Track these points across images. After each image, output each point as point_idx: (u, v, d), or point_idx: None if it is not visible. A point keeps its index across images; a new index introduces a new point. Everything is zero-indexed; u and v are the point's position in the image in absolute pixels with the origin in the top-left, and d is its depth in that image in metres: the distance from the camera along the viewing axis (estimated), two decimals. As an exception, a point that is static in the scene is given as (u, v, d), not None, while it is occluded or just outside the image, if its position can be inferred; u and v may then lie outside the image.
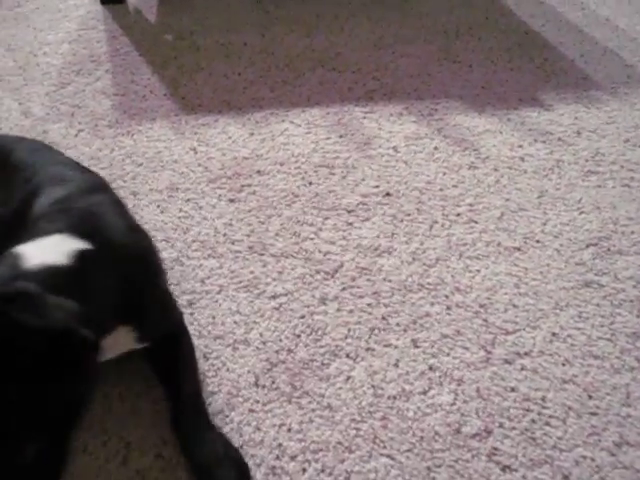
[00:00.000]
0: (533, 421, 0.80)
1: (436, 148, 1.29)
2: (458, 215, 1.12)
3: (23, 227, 0.74)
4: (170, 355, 0.80)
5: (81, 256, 0.66)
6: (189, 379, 0.78)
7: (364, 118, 1.37)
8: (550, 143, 1.31)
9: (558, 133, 1.34)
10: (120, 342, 0.74)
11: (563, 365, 0.87)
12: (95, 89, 1.45)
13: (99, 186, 0.87)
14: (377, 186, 1.17)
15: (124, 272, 0.71)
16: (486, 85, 1.51)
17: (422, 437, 0.78)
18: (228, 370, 0.85)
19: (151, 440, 0.76)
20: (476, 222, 1.11)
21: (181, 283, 0.96)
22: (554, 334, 0.91)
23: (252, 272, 0.99)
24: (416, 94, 1.46)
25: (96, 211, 0.77)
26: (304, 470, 0.74)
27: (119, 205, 0.86)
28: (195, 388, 0.78)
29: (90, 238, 0.69)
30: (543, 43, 1.68)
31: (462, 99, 1.45)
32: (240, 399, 0.81)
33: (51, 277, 0.61)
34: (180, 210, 1.11)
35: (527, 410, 0.82)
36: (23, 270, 0.61)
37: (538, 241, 1.07)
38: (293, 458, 0.75)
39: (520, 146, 1.30)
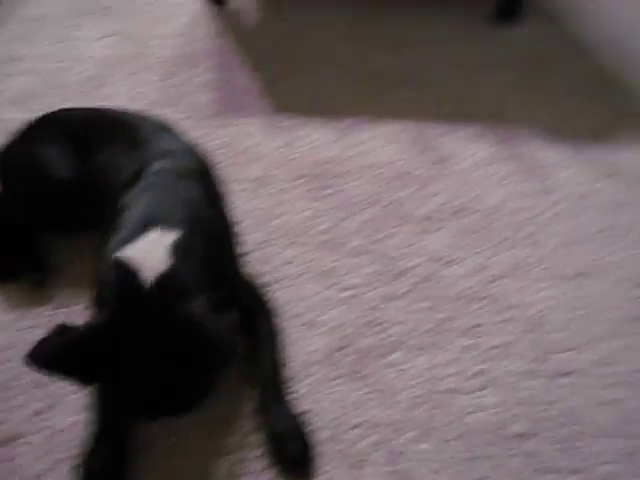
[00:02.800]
0: (572, 433, 0.87)
1: (508, 174, 1.36)
2: (523, 238, 1.19)
3: (135, 189, 0.90)
4: (252, 330, 0.92)
5: (176, 247, 0.79)
6: (269, 356, 0.89)
7: (442, 137, 1.45)
8: (619, 181, 1.36)
9: (628, 173, 1.39)
10: None
11: (606, 388, 0.94)
12: (198, 82, 1.58)
13: (200, 167, 1.01)
14: (449, 202, 1.26)
15: (209, 255, 0.84)
16: (561, 120, 1.57)
17: (467, 431, 0.86)
18: (299, 346, 0.95)
19: (228, 394, 0.88)
20: (540, 246, 1.18)
21: (264, 265, 1.08)
22: (601, 359, 0.98)
23: (327, 264, 1.09)
24: (492, 120, 1.54)
25: (189, 197, 0.89)
26: (359, 441, 0.84)
27: (213, 189, 0.98)
28: (275, 365, 0.88)
29: (181, 227, 0.82)
30: (622, 85, 1.73)
31: (538, 129, 1.52)
32: (307, 373, 0.92)
33: (168, 285, 0.75)
34: (266, 201, 1.22)
35: (568, 422, 0.89)
36: (146, 289, 0.74)
37: (598, 272, 1.13)
38: (351, 430, 0.85)
39: (589, 181, 1.36)
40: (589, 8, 2.19)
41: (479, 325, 1.01)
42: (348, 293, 1.05)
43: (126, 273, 0.74)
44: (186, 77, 1.60)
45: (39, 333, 0.93)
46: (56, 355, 0.70)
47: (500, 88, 1.67)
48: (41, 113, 1.37)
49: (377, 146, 1.40)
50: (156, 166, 0.94)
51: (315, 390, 0.89)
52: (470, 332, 1.00)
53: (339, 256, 1.11)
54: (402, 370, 0.93)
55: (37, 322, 0.96)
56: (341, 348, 0.96)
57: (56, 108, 1.40)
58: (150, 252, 0.77)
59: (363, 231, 1.17)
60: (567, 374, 0.95)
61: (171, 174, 0.93)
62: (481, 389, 0.92)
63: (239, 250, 1.07)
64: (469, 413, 0.88)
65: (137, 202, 0.86)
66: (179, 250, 0.78)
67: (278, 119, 1.47)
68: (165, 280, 0.74)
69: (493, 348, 0.98)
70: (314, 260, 1.10)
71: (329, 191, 1.26)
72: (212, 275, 0.82)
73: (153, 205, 0.85)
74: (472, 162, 1.38)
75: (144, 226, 0.80)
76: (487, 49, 1.86)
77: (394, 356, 0.95)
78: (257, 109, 1.50)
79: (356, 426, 0.86)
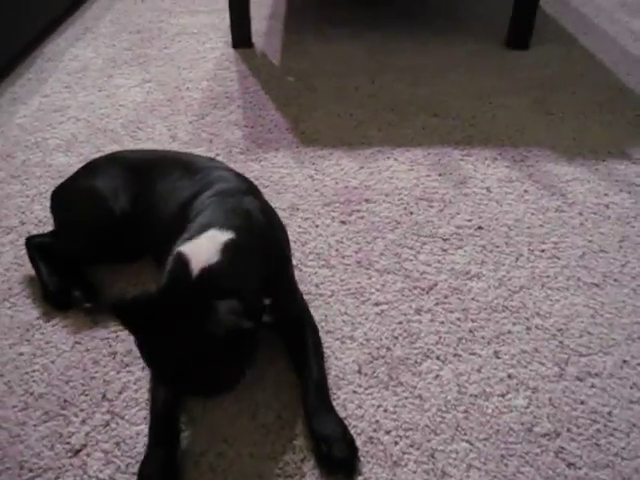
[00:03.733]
0: (599, 431, 0.92)
1: (526, 191, 1.43)
2: (542, 251, 1.25)
3: (196, 205, 1.01)
4: (300, 342, 0.99)
5: (228, 246, 0.87)
6: (316, 366, 0.96)
7: (461, 160, 1.54)
8: (635, 194, 1.42)
9: (644, 185, 1.44)
10: None
11: (631, 388, 0.98)
12: (229, 121, 1.70)
13: (251, 188, 1.13)
14: (470, 220, 1.33)
15: (263, 258, 0.93)
16: (577, 137, 1.64)
17: (498, 430, 0.92)
18: (336, 358, 1.02)
19: (275, 403, 0.95)
20: (559, 258, 1.23)
21: (299, 286, 1.15)
22: (625, 361, 1.03)
23: (359, 282, 1.17)
24: (510, 141, 1.62)
25: (245, 208, 0.98)
26: (396, 443, 0.90)
27: (265, 205, 1.08)
28: (321, 375, 0.96)
29: (237, 230, 0.90)
30: (636, 100, 1.79)
31: (553, 148, 1.59)
32: (345, 382, 0.99)
33: (210, 277, 0.84)
34: (299, 227, 1.31)
35: (594, 421, 0.93)
36: (191, 278, 0.83)
37: (616, 280, 1.19)
38: (387, 433, 0.91)
39: (606, 194, 1.42)
40: (602, 28, 2.27)
41: (505, 333, 1.07)
42: (379, 309, 1.12)
43: (179, 264, 0.85)
44: (217, 117, 1.72)
45: (98, 355, 1.03)
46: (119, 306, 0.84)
47: (516, 110, 1.75)
48: (87, 157, 1.50)
49: (400, 171, 1.49)
50: (215, 187, 1.04)
51: (352, 398, 0.96)
52: (497, 340, 1.06)
53: (369, 275, 1.19)
54: (433, 377, 0.99)
55: (95, 345, 1.05)
56: (375, 359, 1.02)
57: (102, 152, 1.53)
58: (202, 248, 0.86)
59: (390, 251, 1.25)
60: (593, 376, 1.00)
61: (228, 192, 1.03)
62: (510, 392, 0.97)
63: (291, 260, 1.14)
64: (499, 414, 0.94)
65: (200, 214, 0.96)
66: (229, 249, 0.87)
67: (306, 151, 1.57)
68: (208, 274, 0.83)
69: (520, 354, 1.03)
70: (345, 280, 1.18)
71: (356, 215, 1.34)
72: (264, 279, 0.90)
73: (213, 213, 0.96)
74: (491, 182, 1.45)
75: (203, 227, 0.91)
76: (502, 73, 1.95)
77: (425, 364, 1.01)
78: (286, 142, 1.60)
79: (392, 430, 0.92)
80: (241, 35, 2.12)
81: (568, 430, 0.92)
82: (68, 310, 1.11)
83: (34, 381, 0.99)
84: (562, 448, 0.90)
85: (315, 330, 1.03)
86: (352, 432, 0.90)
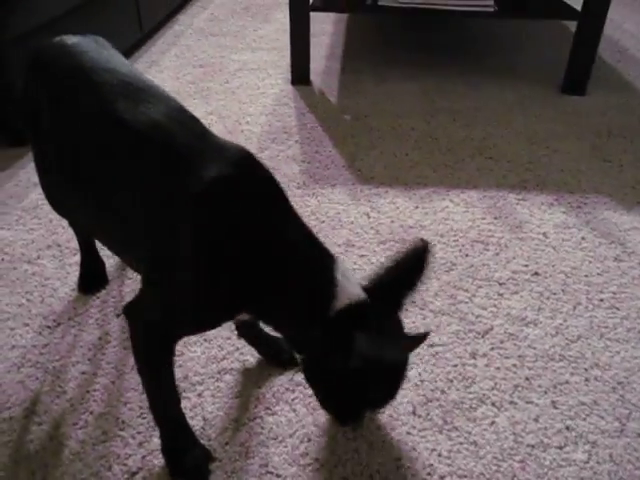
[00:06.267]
0: (662, 492, 0.89)
1: (583, 238, 1.41)
2: (601, 300, 1.23)
3: None
4: None
5: None
6: None
7: (517, 204, 1.53)
8: (698, 247, 1.38)
9: None
10: None
11: (696, 449, 0.95)
12: (287, 156, 1.74)
13: None
14: (526, 265, 1.32)
15: None
16: (636, 185, 1.62)
17: (556, 484, 0.89)
18: (390, 398, 1.02)
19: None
20: (618, 309, 1.21)
21: (354, 322, 1.16)
22: (689, 420, 0.99)
23: (414, 322, 1.17)
24: (566, 187, 1.61)
25: None
26: (451, 489, 0.89)
27: None
28: None
29: None
30: (698, 152, 1.76)
31: (611, 196, 1.57)
32: (399, 422, 0.98)
33: None
34: (354, 263, 1.32)
35: (657, 481, 0.90)
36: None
37: (679, 335, 1.15)
38: (442, 478, 0.90)
39: (667, 246, 1.39)
40: (659, 78, 2.25)
41: (563, 383, 1.05)
42: (434, 350, 1.11)
43: None
44: (276, 151, 1.77)
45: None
46: None
47: (573, 156, 1.74)
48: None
49: (455, 212, 1.49)
50: None
51: (406, 439, 0.95)
52: (554, 390, 1.04)
53: (423, 315, 1.19)
54: (489, 424, 0.98)
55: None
56: (429, 401, 1.02)
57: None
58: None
59: (445, 292, 1.25)
60: (654, 434, 0.97)
61: None
62: (568, 444, 0.95)
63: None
64: (557, 467, 0.92)
65: None
66: None
67: (362, 188, 1.59)
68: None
69: (578, 405, 1.01)
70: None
71: (412, 254, 1.35)
72: None
73: None
74: (548, 227, 1.44)
75: None
76: (558, 119, 1.95)
77: (480, 410, 1.00)
78: (342, 179, 1.63)
79: (446, 475, 0.90)
80: (300, 72, 2.19)
81: (630, 489, 0.89)
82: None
83: (94, 400, 1.02)
84: (624, 507, 0.87)
85: None
86: (406, 473, 0.90)
